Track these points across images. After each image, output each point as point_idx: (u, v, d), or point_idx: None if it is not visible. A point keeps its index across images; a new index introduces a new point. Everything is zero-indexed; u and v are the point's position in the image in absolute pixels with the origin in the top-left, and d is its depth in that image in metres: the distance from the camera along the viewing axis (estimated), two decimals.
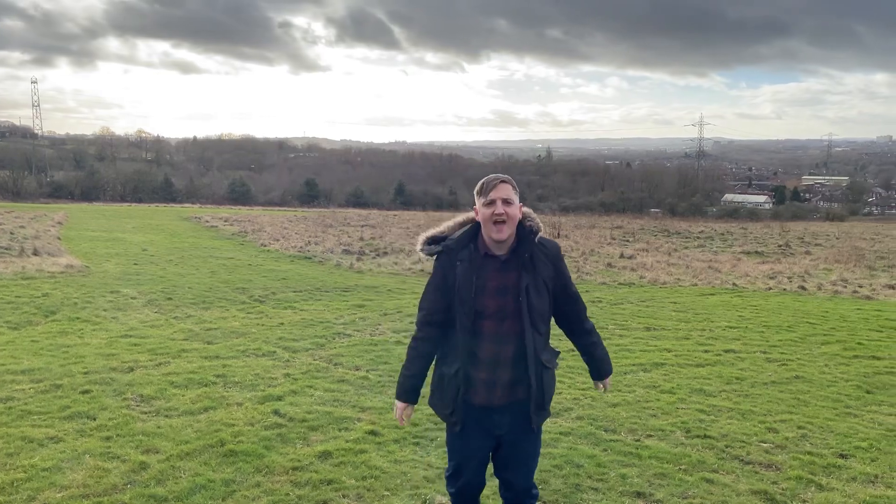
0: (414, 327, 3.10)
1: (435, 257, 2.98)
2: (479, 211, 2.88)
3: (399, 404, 3.07)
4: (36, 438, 4.48)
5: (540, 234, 2.95)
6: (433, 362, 3.06)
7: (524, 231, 2.90)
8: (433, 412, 3.23)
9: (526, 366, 2.86)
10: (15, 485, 3.83)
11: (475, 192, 2.90)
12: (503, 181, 2.86)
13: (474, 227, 2.94)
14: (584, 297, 3.37)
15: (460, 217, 3.05)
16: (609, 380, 3.27)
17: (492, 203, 2.82)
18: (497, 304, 2.84)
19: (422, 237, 3.02)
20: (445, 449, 3.18)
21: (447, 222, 3.05)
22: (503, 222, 2.82)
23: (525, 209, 2.96)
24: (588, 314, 3.16)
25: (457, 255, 2.90)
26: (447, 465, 3.16)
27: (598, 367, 3.21)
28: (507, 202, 2.82)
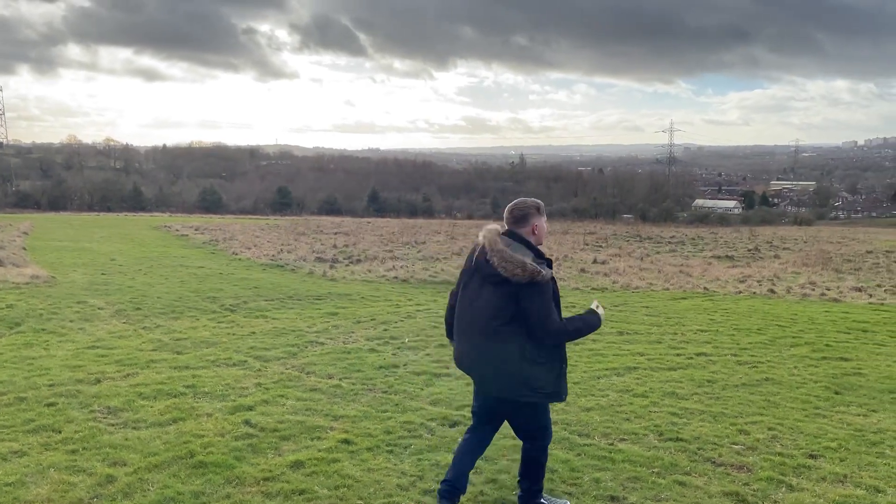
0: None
1: (546, 283, 3.45)
2: (542, 227, 3.62)
3: None
4: None
5: None
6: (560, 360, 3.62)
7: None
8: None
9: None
10: None
11: (538, 210, 3.60)
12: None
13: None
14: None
15: (517, 246, 3.47)
16: None
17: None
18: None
19: (531, 258, 3.42)
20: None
21: (516, 255, 3.42)
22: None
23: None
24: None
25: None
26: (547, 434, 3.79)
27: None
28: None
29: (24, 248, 17.55)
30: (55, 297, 10.33)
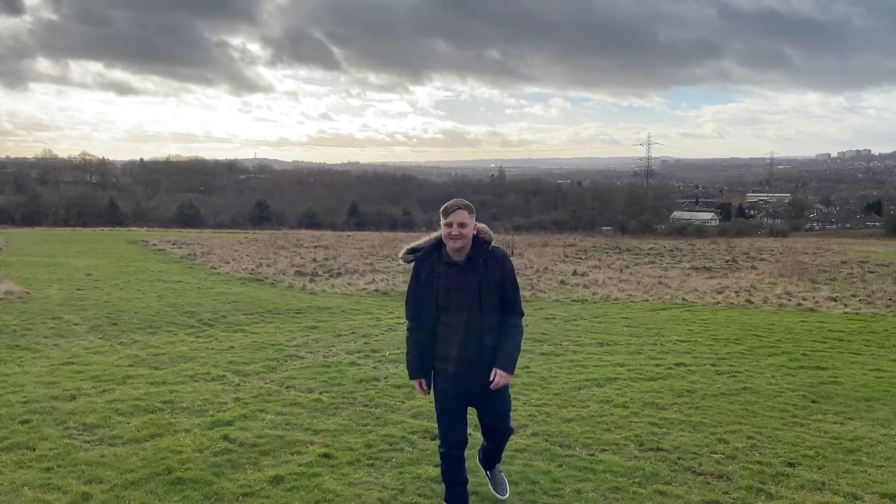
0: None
1: (413, 264, 3.83)
2: (442, 228, 3.70)
3: (414, 382, 3.91)
4: None
5: (492, 243, 3.76)
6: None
7: (479, 242, 3.73)
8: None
9: (475, 345, 3.67)
10: None
11: (440, 212, 3.71)
12: (460, 207, 3.68)
13: (439, 241, 3.79)
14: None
15: (434, 234, 3.87)
16: (501, 374, 3.64)
17: (450, 225, 3.66)
18: (456, 300, 3.67)
19: (404, 248, 3.89)
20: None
21: (425, 237, 3.90)
22: (457, 238, 3.66)
23: (480, 225, 3.78)
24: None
25: (424, 262, 3.78)
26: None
27: (500, 356, 3.67)
28: (461, 225, 3.65)
29: None
30: (29, 314, 10.17)
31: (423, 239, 3.89)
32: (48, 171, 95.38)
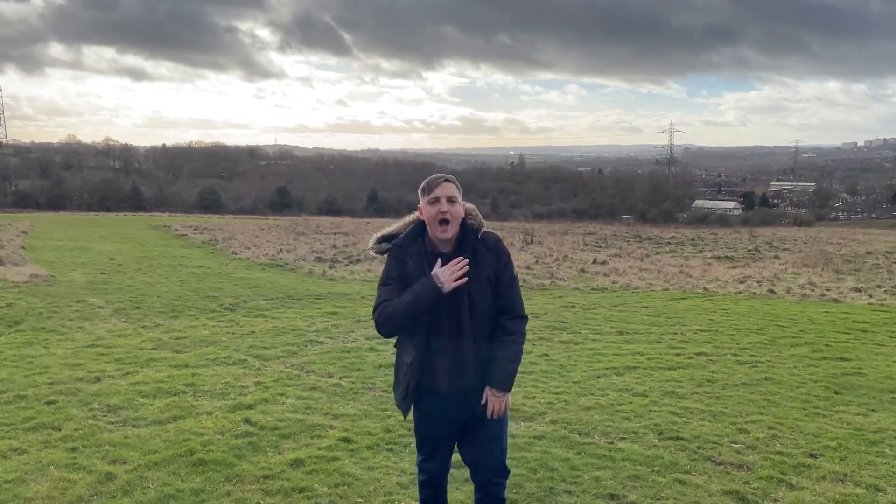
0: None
1: (386, 255, 3.06)
2: (424, 210, 2.95)
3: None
4: None
5: (482, 230, 3.03)
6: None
7: (467, 228, 2.99)
8: (406, 418, 3.24)
9: (465, 355, 2.94)
10: None
11: (420, 191, 2.98)
12: (447, 180, 2.96)
13: (420, 225, 3.02)
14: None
15: (408, 217, 3.13)
16: (498, 397, 2.96)
17: (436, 201, 2.90)
18: (444, 303, 2.90)
19: (374, 237, 3.13)
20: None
21: (397, 223, 3.13)
22: (447, 221, 2.91)
23: (468, 206, 3.03)
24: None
25: (406, 251, 2.99)
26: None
27: (494, 370, 2.96)
28: (451, 200, 2.91)
29: (24, 248, 17.54)
30: (54, 297, 10.32)
31: (394, 225, 3.14)
32: (72, 156, 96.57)
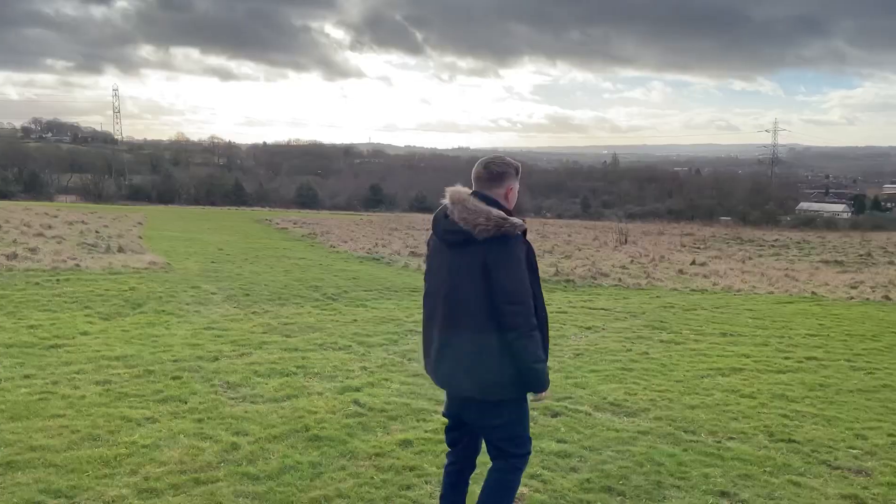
0: None
1: (517, 238, 2.82)
2: (516, 193, 3.01)
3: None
4: (134, 418, 4.73)
5: None
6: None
7: None
8: None
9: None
10: (118, 459, 4.06)
11: (515, 172, 3.00)
12: None
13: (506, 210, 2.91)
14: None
15: (496, 211, 2.84)
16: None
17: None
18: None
19: (498, 217, 2.79)
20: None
21: (494, 211, 2.82)
22: None
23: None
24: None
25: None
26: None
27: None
28: None
29: (140, 238, 18.70)
30: (171, 282, 10.98)
31: (493, 210, 2.82)
32: (180, 152, 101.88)
